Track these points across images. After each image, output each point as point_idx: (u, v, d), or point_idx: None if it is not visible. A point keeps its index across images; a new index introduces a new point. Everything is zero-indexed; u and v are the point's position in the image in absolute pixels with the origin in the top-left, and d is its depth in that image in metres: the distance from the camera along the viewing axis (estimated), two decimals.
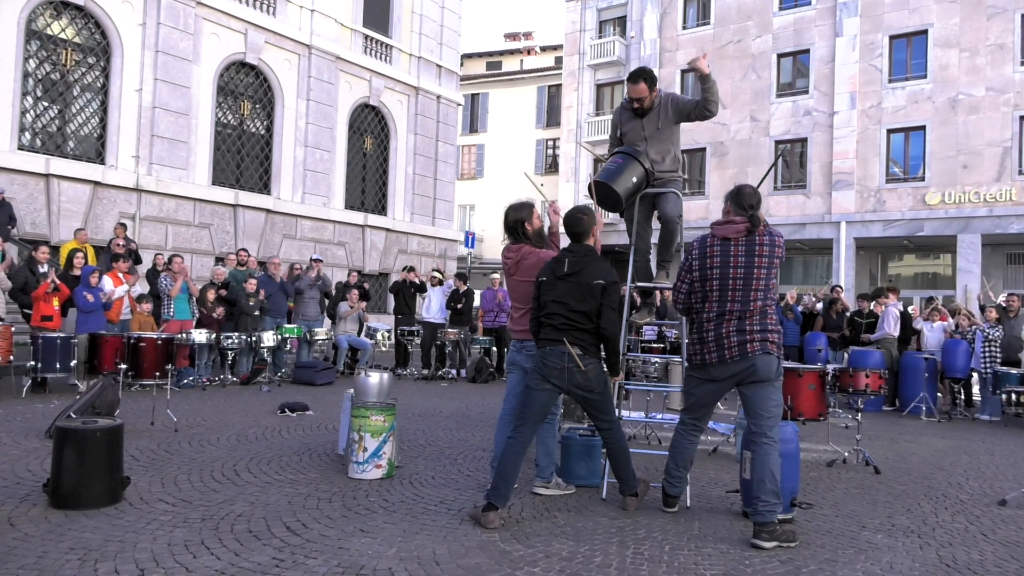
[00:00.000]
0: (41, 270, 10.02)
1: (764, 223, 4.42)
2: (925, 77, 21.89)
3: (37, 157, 13.95)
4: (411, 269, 13.63)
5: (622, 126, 5.75)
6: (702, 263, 4.46)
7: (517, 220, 5.09)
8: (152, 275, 11.52)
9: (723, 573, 3.72)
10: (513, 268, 5.07)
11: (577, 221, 4.74)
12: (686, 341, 4.72)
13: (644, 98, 5.56)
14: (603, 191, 5.40)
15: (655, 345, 11.84)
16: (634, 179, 5.42)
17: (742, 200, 4.44)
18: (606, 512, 4.73)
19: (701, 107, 5.48)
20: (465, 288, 12.92)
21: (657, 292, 6.14)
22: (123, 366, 7.09)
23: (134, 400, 8.23)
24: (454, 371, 12.96)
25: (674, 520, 4.62)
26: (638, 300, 6.88)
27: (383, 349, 13.21)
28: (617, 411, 5.15)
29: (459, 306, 12.87)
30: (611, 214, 5.99)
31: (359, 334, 13.11)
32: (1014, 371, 9.97)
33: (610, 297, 4.52)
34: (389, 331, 13.16)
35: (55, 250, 12.51)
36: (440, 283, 13.43)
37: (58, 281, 9.42)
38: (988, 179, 20.84)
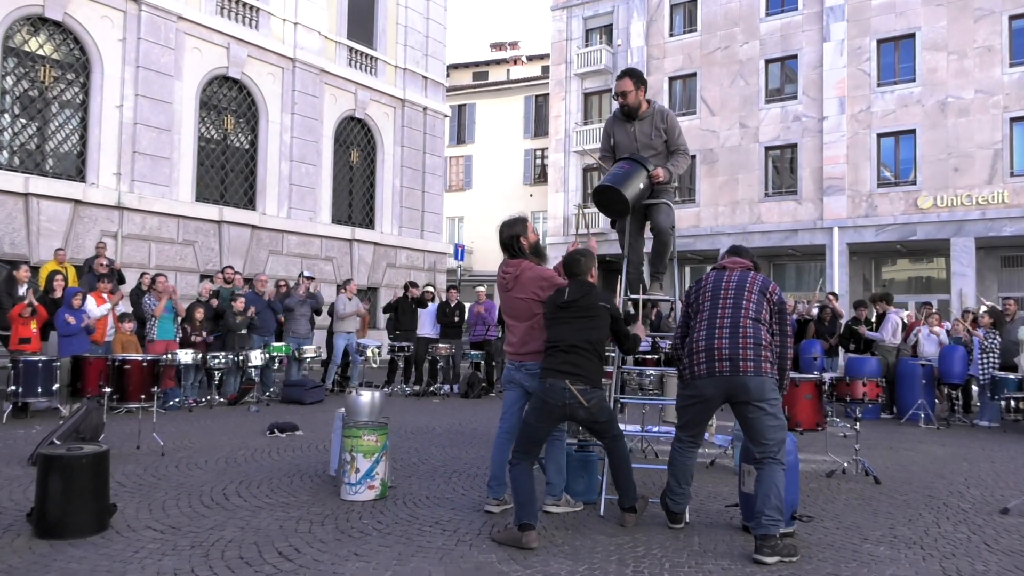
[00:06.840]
0: (20, 291, 9.79)
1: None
2: (914, 80, 21.88)
3: (16, 176, 13.71)
4: (412, 285, 13.49)
5: (615, 135, 5.70)
6: (696, 297, 4.65)
7: (512, 236, 5.00)
8: (136, 295, 11.32)
9: None
10: (511, 283, 4.95)
11: (575, 262, 4.71)
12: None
13: (628, 92, 5.55)
14: (610, 196, 5.33)
15: (649, 356, 11.71)
16: (641, 185, 5.38)
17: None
18: (604, 529, 4.63)
19: (676, 158, 5.68)
20: (456, 301, 12.82)
21: (651, 303, 6.06)
22: (107, 389, 6.94)
23: (119, 423, 8.07)
24: (446, 387, 12.84)
25: (673, 536, 4.52)
26: (631, 310, 6.80)
27: (373, 366, 13.08)
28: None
29: (456, 319, 12.82)
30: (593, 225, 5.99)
31: (360, 334, 13.00)
32: (1012, 376, 9.88)
33: (618, 324, 4.67)
34: (379, 347, 13.02)
35: (35, 270, 12.30)
36: (432, 299, 13.36)
37: (36, 303, 9.23)
38: (980, 182, 20.78)
